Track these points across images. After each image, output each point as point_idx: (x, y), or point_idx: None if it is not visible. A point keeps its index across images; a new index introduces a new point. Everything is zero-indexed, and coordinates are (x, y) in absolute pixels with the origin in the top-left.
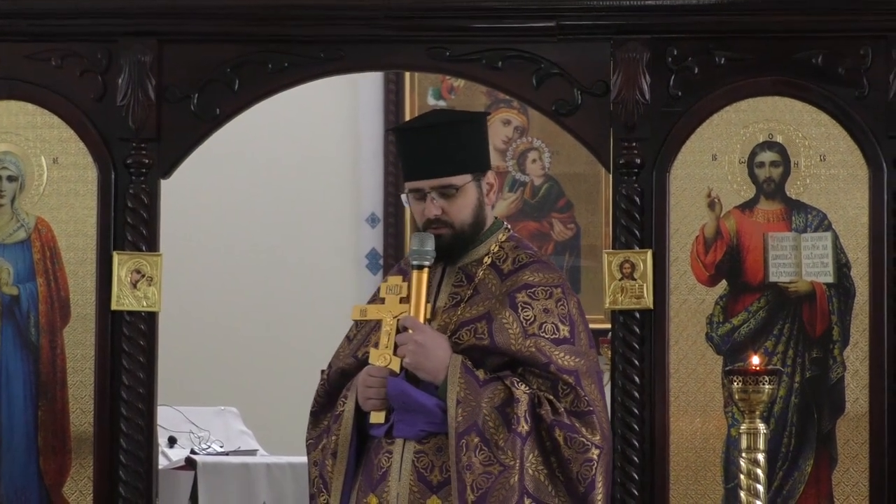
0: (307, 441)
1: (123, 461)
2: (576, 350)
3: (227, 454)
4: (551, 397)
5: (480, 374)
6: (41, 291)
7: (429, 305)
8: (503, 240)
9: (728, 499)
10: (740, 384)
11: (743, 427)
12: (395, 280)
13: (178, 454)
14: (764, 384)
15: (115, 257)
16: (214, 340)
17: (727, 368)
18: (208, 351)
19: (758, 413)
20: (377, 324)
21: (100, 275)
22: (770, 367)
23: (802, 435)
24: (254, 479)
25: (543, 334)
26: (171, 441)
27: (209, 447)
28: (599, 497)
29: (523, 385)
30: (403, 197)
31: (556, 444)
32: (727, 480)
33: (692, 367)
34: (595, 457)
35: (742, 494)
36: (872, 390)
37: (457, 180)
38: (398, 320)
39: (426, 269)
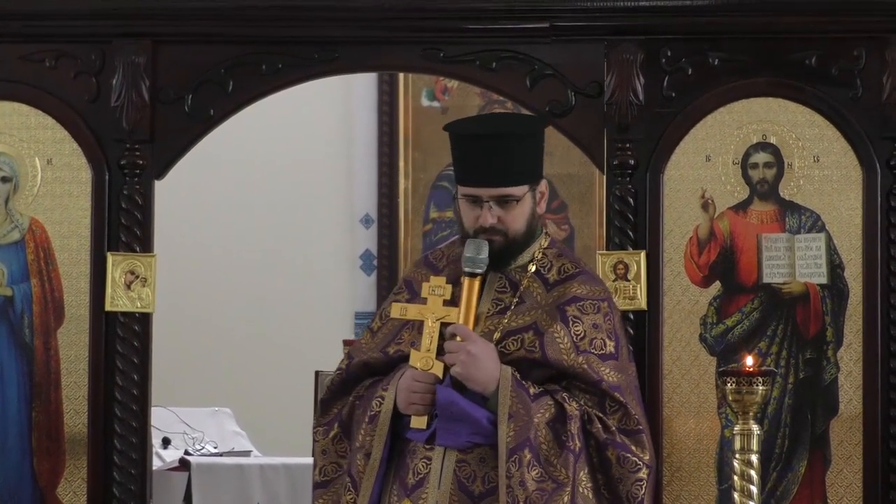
0: (315, 428)
1: (117, 462)
2: (620, 366)
3: (221, 455)
4: (601, 415)
5: (531, 388)
6: (35, 292)
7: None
8: (545, 246)
9: (722, 500)
10: (734, 385)
11: (737, 428)
12: (438, 281)
13: (172, 455)
14: (758, 385)
15: (109, 258)
16: (208, 341)
17: (721, 369)
18: (202, 352)
19: (751, 414)
20: (409, 322)
21: (94, 276)
22: (764, 368)
23: (796, 436)
24: (248, 480)
25: (593, 350)
26: (165, 442)
27: (203, 448)
28: None
29: (574, 401)
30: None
31: (608, 462)
32: (721, 481)
33: (686, 368)
34: (645, 476)
35: (736, 496)
36: (866, 391)
37: (517, 191)
38: (446, 326)
39: (479, 277)
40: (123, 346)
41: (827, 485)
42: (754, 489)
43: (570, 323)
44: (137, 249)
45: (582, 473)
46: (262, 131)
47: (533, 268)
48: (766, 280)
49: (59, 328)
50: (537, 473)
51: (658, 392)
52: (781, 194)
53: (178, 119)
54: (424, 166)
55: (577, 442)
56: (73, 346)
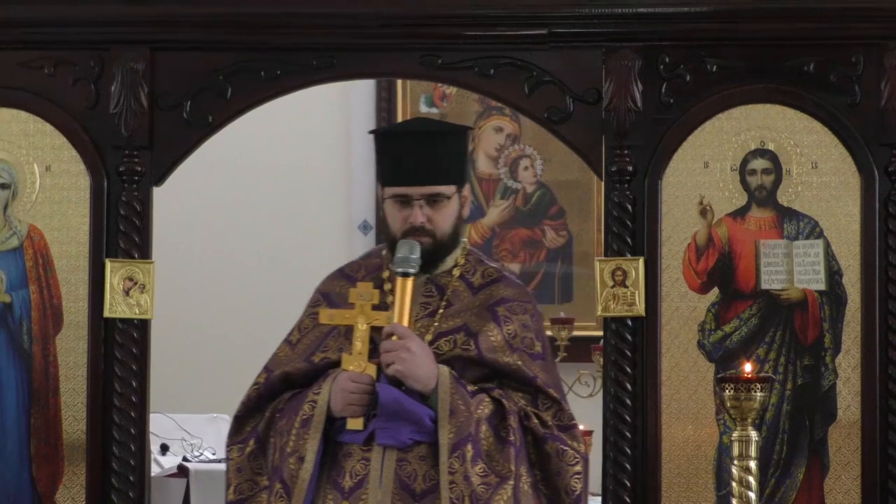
0: (228, 446)
1: (116, 468)
2: (547, 367)
3: (219, 461)
4: (536, 411)
5: (468, 386)
6: (34, 299)
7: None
8: (467, 252)
9: None
10: (732, 391)
11: (735, 434)
12: (365, 286)
13: (170, 461)
14: (756, 391)
15: (108, 265)
16: (206, 348)
17: (719, 376)
18: (200, 358)
19: (750, 420)
20: (333, 329)
21: (92, 282)
22: (762, 374)
23: (794, 442)
24: None
25: (525, 349)
26: (164, 448)
27: (201, 454)
28: None
29: (510, 399)
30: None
31: (547, 456)
32: (719, 487)
33: (684, 374)
34: (582, 469)
35: (734, 502)
36: (864, 398)
37: (446, 190)
38: (376, 331)
39: (412, 278)
40: (122, 352)
41: (825, 491)
42: (752, 495)
43: (502, 322)
44: (136, 256)
45: (522, 468)
46: (260, 138)
47: (458, 272)
48: (764, 286)
49: (57, 335)
50: (480, 468)
51: (656, 398)
52: (780, 201)
53: (177, 126)
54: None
55: (517, 436)
56: (72, 352)
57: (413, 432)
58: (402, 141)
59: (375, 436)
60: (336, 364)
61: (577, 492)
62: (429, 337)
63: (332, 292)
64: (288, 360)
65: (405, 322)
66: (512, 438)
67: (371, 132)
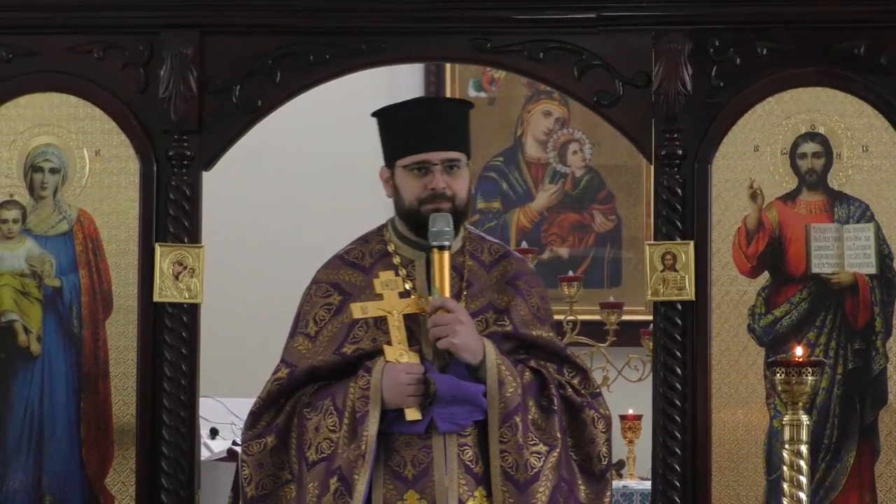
0: (245, 442)
1: (166, 453)
2: (559, 337)
3: None
4: (568, 380)
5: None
6: (83, 283)
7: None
8: (467, 231)
9: (770, 490)
10: (783, 375)
11: (786, 418)
12: (387, 275)
13: (220, 446)
14: (807, 375)
15: (158, 249)
16: (256, 332)
17: (770, 360)
18: (250, 342)
19: (801, 404)
20: (356, 321)
21: (142, 267)
22: (813, 358)
23: (845, 427)
24: None
25: (549, 319)
26: (213, 432)
27: None
28: (609, 473)
29: (546, 368)
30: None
31: (583, 424)
32: (769, 472)
33: (734, 358)
34: (610, 436)
35: (785, 486)
36: None
37: (462, 157)
38: (408, 318)
39: (447, 250)
40: (171, 336)
41: (876, 475)
42: (804, 479)
43: (526, 296)
44: (185, 240)
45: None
46: (308, 122)
47: (468, 251)
48: (814, 270)
49: (107, 319)
50: (530, 437)
51: (706, 383)
52: (830, 184)
53: (226, 110)
54: (471, 157)
55: (558, 405)
56: (122, 336)
57: (471, 412)
58: (414, 111)
59: (436, 424)
60: (370, 355)
61: (608, 457)
62: None
63: (341, 282)
64: (311, 353)
65: (446, 294)
66: (555, 407)
67: (374, 113)
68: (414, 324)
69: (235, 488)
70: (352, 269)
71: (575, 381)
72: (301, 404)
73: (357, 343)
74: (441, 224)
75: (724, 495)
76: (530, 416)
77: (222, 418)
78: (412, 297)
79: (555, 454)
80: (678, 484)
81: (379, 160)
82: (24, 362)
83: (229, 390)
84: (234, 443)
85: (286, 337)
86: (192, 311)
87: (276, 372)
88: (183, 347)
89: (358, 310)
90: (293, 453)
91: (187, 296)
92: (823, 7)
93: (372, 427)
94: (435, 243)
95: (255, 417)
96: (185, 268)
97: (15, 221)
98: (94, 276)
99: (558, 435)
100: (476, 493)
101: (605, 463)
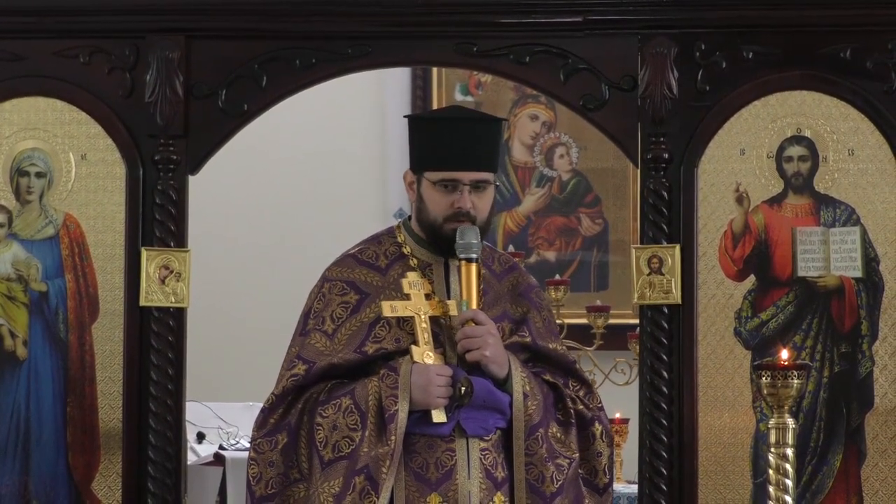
0: (257, 439)
1: (152, 457)
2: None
3: None
4: (574, 393)
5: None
6: (70, 288)
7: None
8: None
9: (757, 494)
10: (769, 379)
11: (772, 422)
12: (415, 276)
13: (206, 450)
14: (793, 379)
15: (144, 253)
16: (242, 336)
17: (756, 363)
18: (236, 346)
19: (786, 408)
20: (378, 320)
21: (128, 271)
22: (799, 361)
23: (831, 430)
24: None
25: (557, 333)
26: (200, 437)
27: (238, 443)
28: (611, 487)
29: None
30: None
31: (592, 437)
32: (756, 475)
33: (720, 362)
34: (613, 449)
35: (771, 489)
36: None
37: (491, 178)
38: (434, 320)
39: (475, 262)
40: (158, 340)
41: (862, 478)
42: (789, 483)
43: (539, 308)
44: (172, 244)
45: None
46: (295, 126)
47: (480, 261)
48: (800, 274)
49: (93, 323)
50: (554, 450)
51: (693, 386)
52: (816, 188)
53: (212, 114)
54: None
55: (574, 419)
56: (108, 341)
57: (496, 419)
58: (450, 127)
59: (463, 426)
60: (392, 355)
61: (610, 473)
62: None
63: (356, 281)
64: (330, 350)
65: (474, 306)
66: (572, 420)
67: (408, 116)
68: (436, 326)
69: (222, 492)
70: (367, 268)
71: (580, 395)
72: (314, 402)
73: (379, 342)
74: (470, 236)
75: (711, 499)
76: (551, 430)
77: (209, 422)
78: (434, 299)
79: (572, 466)
80: (665, 487)
81: (366, 164)
82: (10, 367)
83: (216, 394)
84: (221, 447)
85: (287, 337)
86: (179, 315)
87: (291, 368)
88: (169, 351)
89: (388, 308)
90: (303, 452)
91: (174, 300)
92: (809, 11)
93: (402, 426)
94: (463, 256)
95: (266, 415)
96: (172, 272)
97: (1, 226)
98: (80, 280)
99: (575, 447)
100: (495, 499)
101: (610, 476)
